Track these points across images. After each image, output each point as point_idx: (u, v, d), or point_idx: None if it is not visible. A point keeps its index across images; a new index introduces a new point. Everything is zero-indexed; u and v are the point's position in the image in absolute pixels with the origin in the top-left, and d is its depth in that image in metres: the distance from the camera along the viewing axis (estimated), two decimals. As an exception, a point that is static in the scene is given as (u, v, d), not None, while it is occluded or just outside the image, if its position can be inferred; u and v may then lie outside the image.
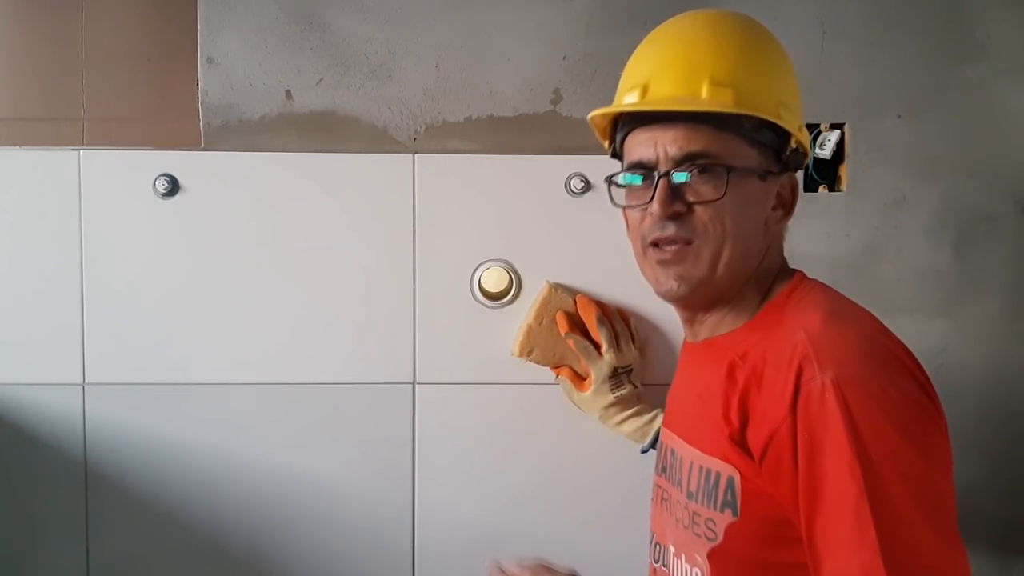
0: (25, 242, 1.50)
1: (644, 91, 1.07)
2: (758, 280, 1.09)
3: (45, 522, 1.52)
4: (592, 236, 1.52)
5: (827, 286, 1.10)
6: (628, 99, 1.08)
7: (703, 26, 1.09)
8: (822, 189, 1.55)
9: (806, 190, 1.54)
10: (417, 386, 1.53)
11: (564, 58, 1.53)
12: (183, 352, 1.51)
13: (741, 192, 1.04)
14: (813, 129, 1.54)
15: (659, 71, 1.07)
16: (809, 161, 1.45)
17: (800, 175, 1.53)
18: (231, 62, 1.51)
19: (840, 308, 1.05)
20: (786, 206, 1.10)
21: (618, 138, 1.13)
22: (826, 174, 1.55)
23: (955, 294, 1.57)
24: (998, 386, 1.58)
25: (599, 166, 1.50)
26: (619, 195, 1.11)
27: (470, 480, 1.54)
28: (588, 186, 1.51)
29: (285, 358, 1.52)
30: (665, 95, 1.05)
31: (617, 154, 1.14)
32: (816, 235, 1.54)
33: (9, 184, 1.50)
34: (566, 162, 1.52)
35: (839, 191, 1.55)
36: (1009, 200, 1.57)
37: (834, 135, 1.54)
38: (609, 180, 1.11)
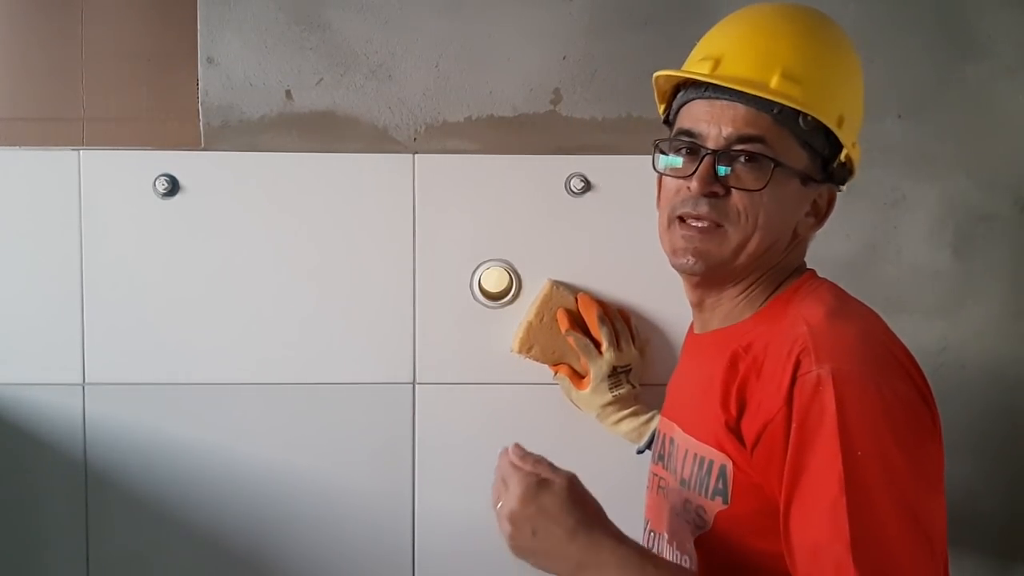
0: (25, 242, 1.50)
1: (716, 64, 1.06)
2: (773, 276, 1.09)
3: (45, 522, 1.52)
4: (592, 236, 1.52)
5: (835, 284, 1.10)
6: (698, 68, 1.07)
7: (789, 19, 1.08)
8: (822, 189, 1.55)
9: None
10: (417, 386, 1.53)
11: (564, 58, 1.53)
12: (183, 352, 1.51)
13: (780, 190, 1.04)
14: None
15: (734, 50, 1.06)
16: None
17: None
18: (231, 62, 1.51)
19: (845, 305, 1.05)
20: (819, 215, 1.10)
21: (676, 103, 1.11)
22: (826, 174, 1.55)
23: (955, 294, 1.57)
24: (997, 386, 1.58)
25: (599, 166, 1.51)
26: (659, 161, 1.10)
27: (470, 480, 1.53)
28: (588, 186, 1.51)
29: (285, 358, 1.52)
30: (736, 74, 1.04)
31: (668, 120, 1.13)
32: (816, 235, 1.54)
33: (9, 184, 1.50)
34: (566, 162, 1.52)
35: (839, 191, 1.55)
36: (1009, 200, 1.57)
37: (834, 135, 1.54)
38: (656, 145, 1.10)
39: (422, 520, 1.54)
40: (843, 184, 1.11)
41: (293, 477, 1.53)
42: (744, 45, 1.06)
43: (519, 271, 1.53)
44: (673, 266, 1.10)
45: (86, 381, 1.51)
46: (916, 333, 1.54)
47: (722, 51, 1.06)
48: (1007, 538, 1.60)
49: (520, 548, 0.96)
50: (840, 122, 1.05)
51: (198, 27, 1.51)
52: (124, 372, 1.51)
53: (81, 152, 1.50)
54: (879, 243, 1.56)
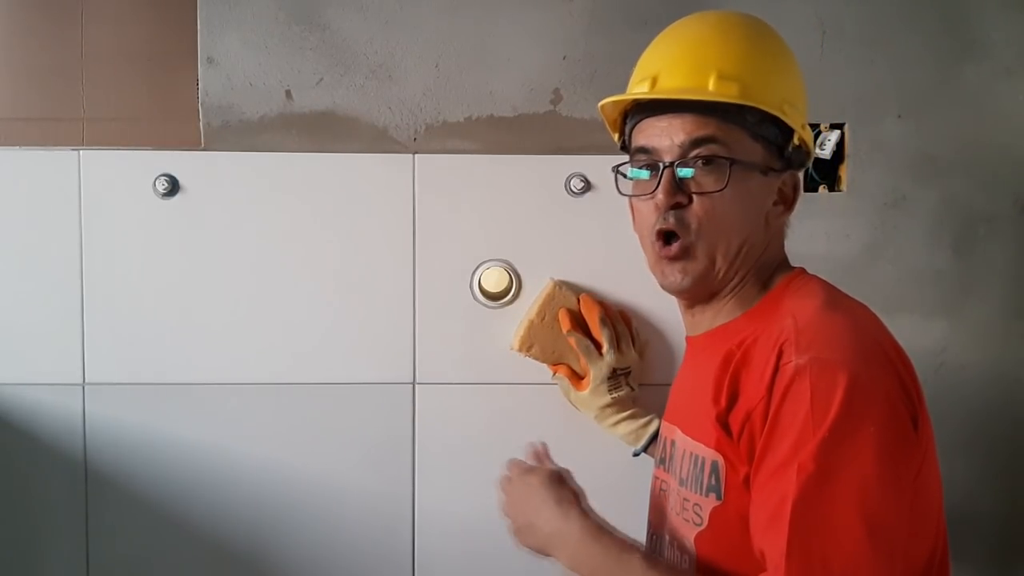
0: (25, 242, 1.50)
1: (653, 83, 1.09)
2: (758, 272, 1.11)
3: (45, 522, 1.52)
4: (592, 236, 1.52)
5: (825, 281, 1.11)
6: (638, 90, 1.11)
7: (712, 26, 1.12)
8: (822, 189, 1.55)
9: (806, 190, 1.54)
10: (417, 386, 1.53)
11: (564, 58, 1.53)
12: (183, 352, 1.51)
13: (742, 186, 1.06)
14: (813, 129, 1.54)
15: (668, 65, 1.10)
16: (810, 161, 1.44)
17: (800, 175, 1.53)
18: (231, 62, 1.51)
19: (835, 299, 1.06)
20: (787, 202, 1.12)
21: (627, 128, 1.15)
22: (826, 174, 1.55)
23: (955, 294, 1.57)
24: (997, 386, 1.58)
25: (599, 166, 1.51)
26: (625, 185, 1.14)
27: (470, 480, 1.54)
28: (588, 186, 1.51)
29: (285, 358, 1.52)
30: (674, 86, 1.08)
31: (625, 146, 1.16)
32: (816, 235, 1.54)
33: (9, 184, 1.50)
34: (566, 162, 1.52)
35: (839, 191, 1.55)
36: (1009, 200, 1.57)
37: (834, 135, 1.54)
38: (616, 170, 1.13)
39: (422, 520, 1.54)
40: (802, 167, 1.13)
41: (293, 477, 1.53)
42: (676, 59, 1.10)
43: (519, 271, 1.53)
44: (664, 288, 1.12)
45: (86, 381, 1.51)
46: (916, 333, 1.54)
47: (657, 70, 1.10)
48: (1007, 538, 1.60)
49: (510, 513, 1.14)
50: (784, 107, 1.07)
51: (198, 27, 1.51)
52: (124, 372, 1.51)
53: (81, 152, 1.50)
54: (879, 243, 1.56)
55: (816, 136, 1.54)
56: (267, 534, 1.53)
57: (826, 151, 1.54)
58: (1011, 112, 1.56)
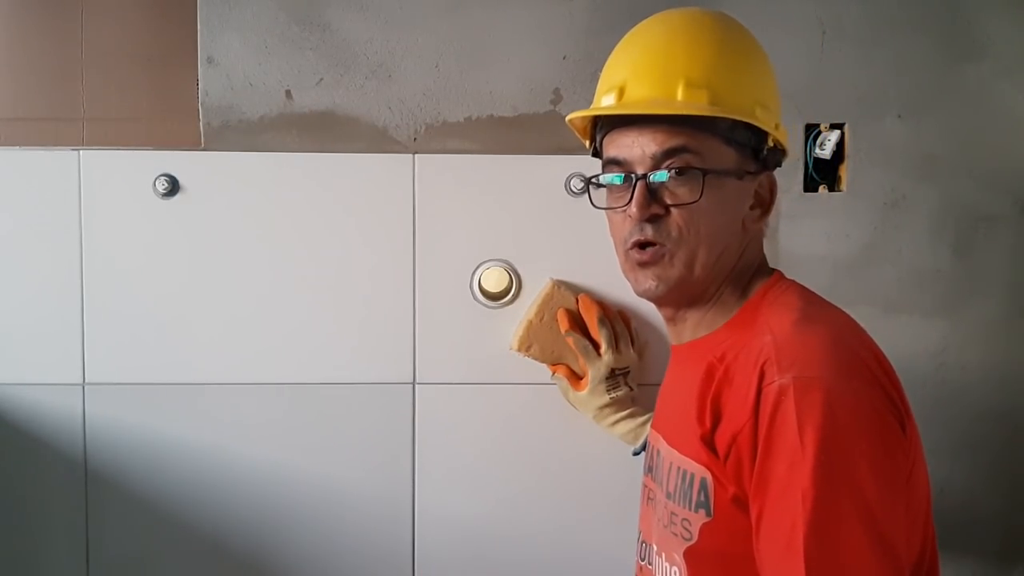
0: (25, 242, 1.50)
1: (621, 93, 1.08)
2: (736, 279, 1.10)
3: (45, 522, 1.52)
4: (592, 236, 1.51)
5: (803, 286, 1.11)
6: (605, 101, 1.10)
7: (679, 27, 1.10)
8: (822, 189, 1.55)
9: (806, 190, 1.55)
10: (417, 386, 1.53)
11: (564, 58, 1.53)
12: (183, 352, 1.51)
13: (718, 193, 1.05)
14: (813, 129, 1.54)
15: (635, 74, 1.08)
16: (810, 160, 1.45)
17: (800, 175, 1.54)
18: (231, 62, 1.51)
19: (812, 310, 1.05)
20: (764, 205, 1.11)
21: (598, 138, 1.14)
22: (826, 174, 1.55)
23: (955, 294, 1.57)
24: (997, 386, 1.58)
25: (599, 166, 1.51)
26: (598, 197, 1.13)
27: (470, 480, 1.54)
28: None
29: (285, 358, 1.52)
30: (641, 97, 1.07)
31: (597, 152, 1.16)
32: (816, 235, 1.54)
33: (9, 184, 1.50)
34: (566, 162, 1.52)
35: (839, 191, 1.55)
36: (1009, 200, 1.57)
37: (834, 135, 1.54)
38: (588, 181, 1.12)
39: (422, 520, 1.54)
40: (778, 166, 1.12)
41: (293, 477, 1.53)
42: (643, 67, 1.08)
43: (519, 271, 1.53)
44: (638, 295, 1.11)
45: (86, 381, 1.51)
46: (916, 333, 1.54)
47: (624, 78, 1.09)
48: (1008, 539, 1.60)
49: None
50: (756, 110, 1.06)
51: (198, 27, 1.51)
52: (124, 372, 1.51)
53: (81, 152, 1.50)
54: (879, 243, 1.56)
55: (816, 136, 1.54)
56: (267, 534, 1.53)
57: (826, 151, 1.54)
58: (1011, 112, 1.56)
